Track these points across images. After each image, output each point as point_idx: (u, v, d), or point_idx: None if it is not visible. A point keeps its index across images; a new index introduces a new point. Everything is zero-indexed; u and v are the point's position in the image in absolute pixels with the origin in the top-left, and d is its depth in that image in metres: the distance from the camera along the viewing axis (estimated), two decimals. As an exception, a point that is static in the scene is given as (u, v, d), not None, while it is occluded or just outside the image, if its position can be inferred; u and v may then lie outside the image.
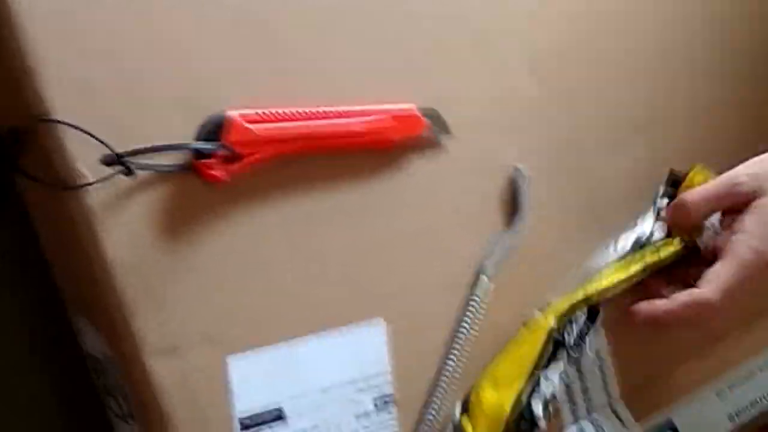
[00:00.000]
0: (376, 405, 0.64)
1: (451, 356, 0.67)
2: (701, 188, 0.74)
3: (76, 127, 0.52)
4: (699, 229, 0.76)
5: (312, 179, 0.62)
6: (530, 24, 0.72)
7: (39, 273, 0.69)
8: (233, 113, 0.57)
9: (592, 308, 0.73)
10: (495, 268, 0.69)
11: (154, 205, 0.56)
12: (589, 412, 0.76)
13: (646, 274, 0.75)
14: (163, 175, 0.56)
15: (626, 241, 0.76)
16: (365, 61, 0.64)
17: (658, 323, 0.71)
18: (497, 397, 0.67)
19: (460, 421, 0.67)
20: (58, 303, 0.69)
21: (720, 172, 0.74)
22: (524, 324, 0.71)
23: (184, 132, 0.56)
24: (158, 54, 0.56)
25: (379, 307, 0.64)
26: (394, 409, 0.65)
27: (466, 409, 0.68)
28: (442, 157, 0.67)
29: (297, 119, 0.59)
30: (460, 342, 0.67)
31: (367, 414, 0.64)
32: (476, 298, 0.68)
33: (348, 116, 0.61)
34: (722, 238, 0.72)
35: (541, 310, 0.72)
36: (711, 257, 0.71)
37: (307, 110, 0.60)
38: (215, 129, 0.56)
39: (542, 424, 0.68)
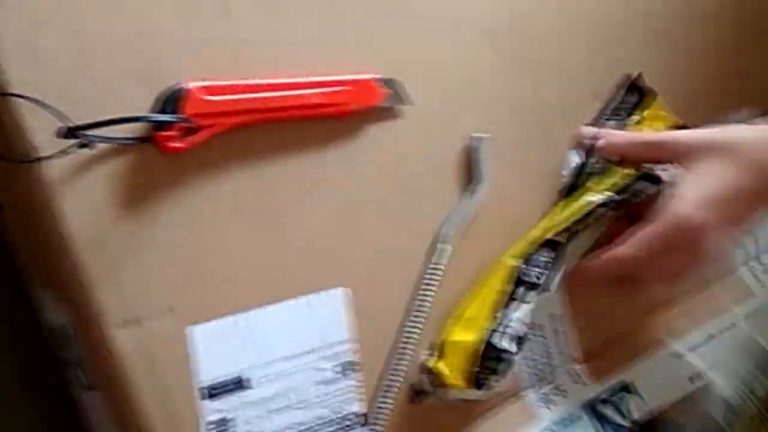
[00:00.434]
0: (338, 372, 0.65)
1: (412, 322, 0.68)
2: (638, 136, 0.76)
3: (32, 100, 0.53)
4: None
5: (271, 149, 0.62)
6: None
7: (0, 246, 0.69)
8: (191, 85, 0.57)
9: (553, 243, 0.73)
10: (454, 235, 0.69)
11: (113, 177, 0.56)
12: (551, 375, 0.77)
13: (609, 209, 0.75)
14: (122, 146, 0.56)
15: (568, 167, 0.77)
16: (323, 31, 0.64)
17: (591, 283, 0.75)
18: (467, 336, 0.68)
19: (434, 365, 0.68)
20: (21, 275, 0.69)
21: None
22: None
23: (142, 104, 0.57)
24: (114, 25, 0.56)
25: (339, 275, 0.65)
26: (356, 376, 0.66)
27: (437, 354, 0.69)
28: (400, 126, 0.68)
29: (255, 90, 0.59)
30: (420, 307, 0.68)
31: (329, 381, 0.65)
32: (435, 265, 0.68)
33: (306, 87, 0.62)
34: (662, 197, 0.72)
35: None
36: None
37: (265, 81, 0.60)
38: (173, 101, 0.57)
39: (512, 357, 0.69)
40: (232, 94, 0.59)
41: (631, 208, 0.75)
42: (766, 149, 0.68)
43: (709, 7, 0.85)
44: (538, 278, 0.71)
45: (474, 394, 0.68)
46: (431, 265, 0.68)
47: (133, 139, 0.56)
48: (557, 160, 0.75)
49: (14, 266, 0.69)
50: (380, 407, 0.67)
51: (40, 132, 0.53)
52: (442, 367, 0.68)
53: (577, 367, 0.78)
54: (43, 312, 0.69)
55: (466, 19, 0.71)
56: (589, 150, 0.76)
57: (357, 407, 0.66)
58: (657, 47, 0.82)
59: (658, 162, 0.74)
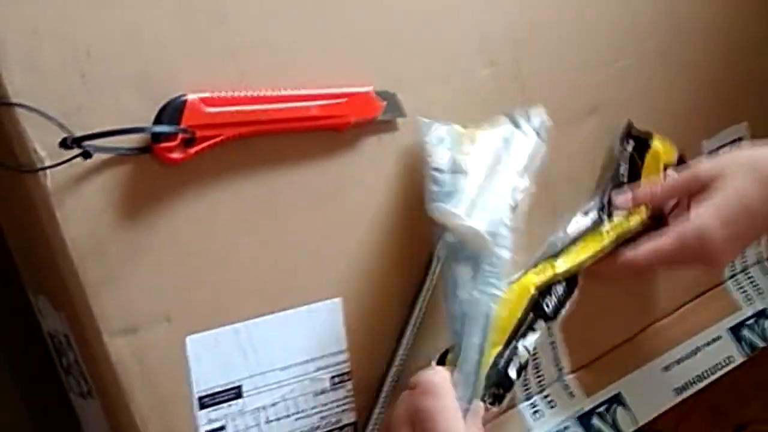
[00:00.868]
0: (333, 382, 0.65)
1: (407, 333, 0.68)
2: (667, 184, 0.78)
3: (34, 110, 0.53)
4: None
5: (270, 160, 0.62)
6: (483, 8, 0.73)
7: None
8: (192, 96, 0.57)
9: (571, 279, 0.74)
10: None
11: (113, 186, 0.57)
12: (541, 387, 0.77)
13: (617, 243, 0.77)
14: (122, 157, 0.56)
15: (592, 211, 0.78)
16: (322, 44, 0.64)
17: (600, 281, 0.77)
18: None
19: None
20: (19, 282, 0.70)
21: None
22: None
23: (141, 113, 0.57)
24: (113, 35, 0.56)
25: (336, 285, 0.66)
26: (351, 386, 0.66)
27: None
28: (397, 139, 0.68)
29: (255, 102, 0.60)
30: (416, 319, 0.68)
31: (324, 391, 0.65)
32: (431, 277, 0.69)
33: (305, 99, 0.62)
34: (678, 214, 0.76)
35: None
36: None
37: (264, 93, 0.60)
38: (173, 112, 0.57)
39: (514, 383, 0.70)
40: (231, 105, 0.59)
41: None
42: None
43: (699, 25, 0.86)
44: (551, 308, 0.72)
45: None
46: (427, 277, 0.69)
47: (133, 149, 0.57)
48: (549, 174, 0.75)
49: (12, 273, 0.69)
50: (373, 417, 0.67)
51: (42, 141, 0.54)
52: None
53: (568, 378, 0.79)
54: (40, 319, 0.69)
55: (461, 33, 0.72)
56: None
57: (351, 417, 0.67)
58: (651, 64, 0.83)
59: (689, 195, 0.75)
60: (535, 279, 0.72)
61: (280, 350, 0.63)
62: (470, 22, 0.72)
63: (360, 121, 0.65)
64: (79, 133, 0.53)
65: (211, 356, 0.60)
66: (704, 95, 0.87)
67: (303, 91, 0.62)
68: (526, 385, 0.77)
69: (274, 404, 0.63)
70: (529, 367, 0.76)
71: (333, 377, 0.65)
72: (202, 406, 0.60)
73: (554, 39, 0.77)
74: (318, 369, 0.65)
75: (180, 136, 0.57)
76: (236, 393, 0.61)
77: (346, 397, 0.66)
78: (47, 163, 0.54)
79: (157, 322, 0.59)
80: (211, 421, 0.60)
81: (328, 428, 0.66)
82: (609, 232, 0.77)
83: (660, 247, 0.73)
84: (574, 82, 0.78)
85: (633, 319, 0.80)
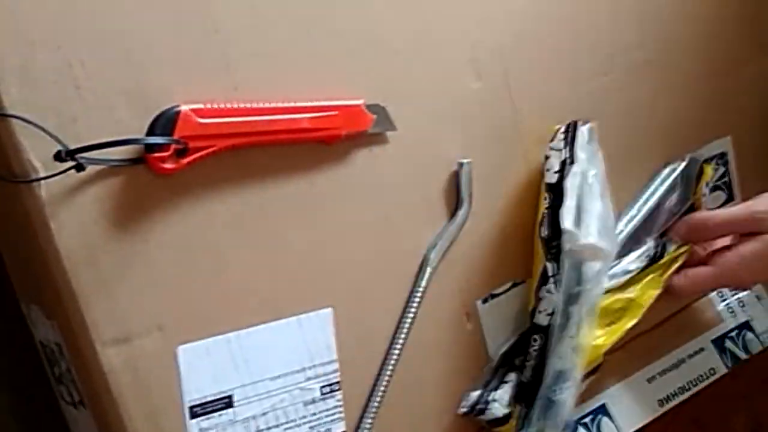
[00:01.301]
0: (323, 392, 0.66)
1: (396, 344, 0.69)
2: (723, 213, 0.82)
3: (28, 122, 0.53)
4: None
5: (261, 172, 0.63)
6: (472, 21, 0.73)
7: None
8: (185, 108, 0.58)
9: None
10: (438, 258, 0.71)
11: (106, 197, 0.57)
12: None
13: None
14: (115, 167, 0.57)
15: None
16: (314, 57, 0.65)
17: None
18: None
19: None
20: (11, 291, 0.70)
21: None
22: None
23: (133, 124, 0.57)
24: (107, 46, 0.57)
25: (327, 296, 0.66)
26: (340, 396, 0.67)
27: None
28: (387, 152, 0.69)
29: (247, 114, 0.60)
30: (405, 330, 0.69)
31: (314, 401, 0.66)
32: (421, 288, 0.70)
33: (297, 111, 0.63)
34: (721, 243, 0.81)
35: (485, 301, 0.75)
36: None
37: (257, 105, 0.61)
38: (166, 123, 0.57)
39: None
40: (224, 117, 0.59)
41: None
42: None
43: (685, 39, 0.87)
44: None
45: None
46: (417, 288, 0.69)
47: (126, 160, 0.57)
48: (536, 185, 0.76)
49: (4, 282, 0.69)
50: (362, 427, 0.68)
51: (37, 153, 0.54)
52: None
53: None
54: (32, 328, 0.69)
55: (451, 47, 0.72)
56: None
57: (340, 427, 0.67)
58: (638, 76, 0.84)
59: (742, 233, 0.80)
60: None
61: (270, 360, 0.63)
62: (460, 35, 0.73)
63: (351, 134, 0.66)
64: (73, 145, 0.54)
65: (202, 366, 0.61)
66: (689, 109, 0.88)
67: (295, 104, 0.63)
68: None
69: (264, 414, 0.63)
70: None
71: (323, 387, 0.66)
72: (193, 416, 0.61)
73: (543, 52, 0.78)
74: (308, 379, 0.65)
75: (173, 146, 0.57)
76: (227, 402, 0.62)
77: (335, 407, 0.67)
78: (42, 174, 0.54)
79: (150, 331, 0.59)
80: (202, 430, 0.61)
81: (319, 438, 0.66)
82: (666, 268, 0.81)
83: (700, 283, 0.81)
84: (563, 95, 0.79)
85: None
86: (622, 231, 0.81)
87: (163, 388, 0.60)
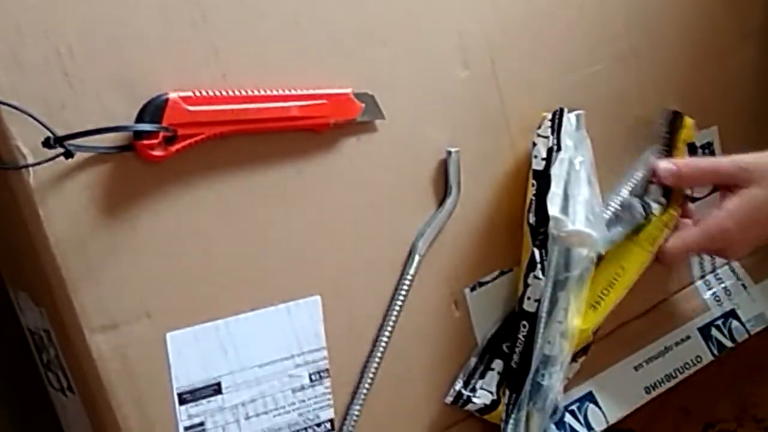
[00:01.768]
0: (312, 379, 0.66)
1: (385, 332, 0.69)
2: (709, 160, 0.85)
3: (17, 108, 0.53)
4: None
5: (249, 159, 0.63)
6: (460, 10, 0.74)
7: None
8: (174, 95, 0.58)
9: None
10: (426, 246, 0.71)
11: (95, 184, 0.57)
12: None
13: None
14: (104, 155, 0.57)
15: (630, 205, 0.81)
16: (302, 46, 0.65)
17: None
18: None
19: None
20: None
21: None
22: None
23: (122, 112, 0.58)
24: (95, 34, 0.57)
25: (315, 284, 0.66)
26: (329, 383, 0.67)
27: None
28: (375, 140, 0.69)
29: (236, 102, 0.60)
30: (393, 318, 0.69)
31: (303, 388, 0.66)
32: (409, 276, 0.70)
33: (285, 99, 0.63)
34: (704, 209, 0.83)
35: (473, 289, 0.75)
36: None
37: (245, 93, 0.61)
38: (156, 110, 0.57)
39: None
40: (212, 104, 0.59)
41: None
42: None
43: (671, 29, 0.87)
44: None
45: None
46: (405, 276, 0.70)
47: (115, 147, 0.57)
48: (524, 173, 0.76)
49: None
50: (350, 414, 0.68)
51: (25, 139, 0.54)
52: None
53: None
54: (20, 315, 0.69)
55: (438, 36, 0.73)
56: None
57: (329, 413, 0.67)
58: (625, 66, 0.84)
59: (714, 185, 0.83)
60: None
61: (259, 347, 0.64)
62: (448, 25, 0.73)
63: (339, 122, 0.66)
64: (62, 132, 0.54)
65: (191, 353, 0.61)
66: (675, 99, 0.88)
67: (283, 92, 0.63)
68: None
69: (253, 401, 0.64)
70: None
71: (311, 374, 0.66)
72: (182, 402, 0.61)
73: (530, 41, 0.78)
74: (297, 366, 0.65)
75: (161, 134, 0.57)
76: (216, 389, 0.62)
77: (324, 394, 0.67)
78: (30, 161, 0.54)
79: (138, 318, 0.59)
80: (190, 416, 0.61)
81: (307, 424, 0.66)
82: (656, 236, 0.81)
83: (689, 243, 0.81)
84: (550, 84, 0.79)
85: (605, 318, 0.81)
86: (609, 205, 0.81)
87: (152, 375, 0.60)
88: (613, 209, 0.80)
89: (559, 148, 0.73)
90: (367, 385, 0.68)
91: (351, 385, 0.69)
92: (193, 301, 0.61)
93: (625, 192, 0.81)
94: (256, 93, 0.62)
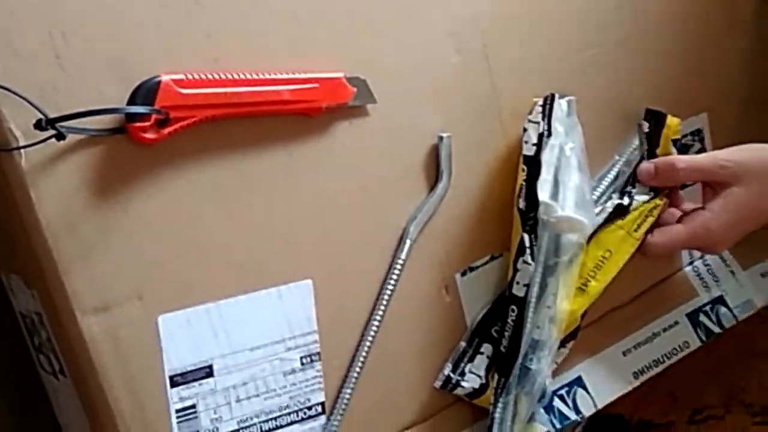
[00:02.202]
0: (303, 363, 0.66)
1: (376, 316, 0.69)
2: (691, 158, 0.83)
3: (10, 91, 0.53)
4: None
5: (241, 142, 0.63)
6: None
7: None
8: (166, 78, 0.58)
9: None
10: (417, 231, 0.71)
11: (87, 166, 0.57)
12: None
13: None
14: (96, 137, 0.57)
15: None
16: (295, 30, 0.65)
17: None
18: None
19: None
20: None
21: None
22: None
23: (114, 94, 0.58)
24: (88, 16, 0.57)
25: (307, 267, 0.67)
26: (320, 366, 0.67)
27: None
28: (367, 125, 0.69)
29: (228, 85, 0.60)
30: (384, 302, 0.70)
31: (294, 371, 0.66)
32: (400, 261, 0.70)
33: (277, 83, 0.63)
34: (692, 205, 0.84)
35: (464, 274, 0.75)
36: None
37: (237, 76, 0.61)
38: (147, 92, 0.57)
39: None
40: (205, 87, 0.59)
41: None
42: None
43: (661, 16, 0.88)
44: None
45: None
46: (396, 260, 0.70)
47: (107, 130, 0.57)
48: (515, 159, 0.76)
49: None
50: (341, 397, 0.68)
51: (17, 121, 0.54)
52: None
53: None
54: (12, 298, 0.69)
55: (430, 21, 0.73)
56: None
57: (320, 397, 0.68)
58: (616, 54, 0.85)
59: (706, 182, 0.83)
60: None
61: (251, 330, 0.64)
62: (440, 10, 0.73)
63: (331, 107, 0.66)
64: (54, 114, 0.54)
65: (182, 335, 0.61)
66: (665, 86, 0.89)
67: (275, 75, 0.63)
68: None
69: (244, 384, 0.64)
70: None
71: (303, 357, 0.66)
72: (174, 385, 0.61)
73: (522, 29, 0.78)
74: (288, 349, 0.66)
75: (153, 116, 0.57)
76: (207, 372, 0.62)
77: (315, 377, 0.67)
78: (22, 143, 0.54)
79: (130, 300, 0.59)
80: (182, 399, 0.61)
81: (298, 407, 0.67)
82: (642, 225, 0.81)
83: (674, 241, 0.82)
84: (542, 72, 0.80)
85: (594, 304, 0.81)
86: (595, 188, 0.82)
87: (144, 358, 0.60)
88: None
89: (549, 134, 0.73)
90: (357, 369, 0.69)
91: (342, 369, 0.69)
92: (184, 283, 0.61)
93: (605, 183, 0.83)
94: (249, 77, 0.61)
